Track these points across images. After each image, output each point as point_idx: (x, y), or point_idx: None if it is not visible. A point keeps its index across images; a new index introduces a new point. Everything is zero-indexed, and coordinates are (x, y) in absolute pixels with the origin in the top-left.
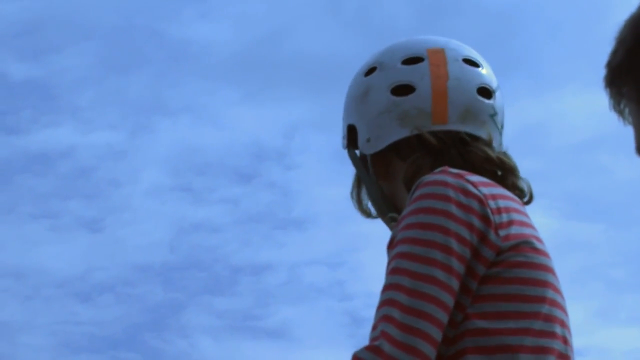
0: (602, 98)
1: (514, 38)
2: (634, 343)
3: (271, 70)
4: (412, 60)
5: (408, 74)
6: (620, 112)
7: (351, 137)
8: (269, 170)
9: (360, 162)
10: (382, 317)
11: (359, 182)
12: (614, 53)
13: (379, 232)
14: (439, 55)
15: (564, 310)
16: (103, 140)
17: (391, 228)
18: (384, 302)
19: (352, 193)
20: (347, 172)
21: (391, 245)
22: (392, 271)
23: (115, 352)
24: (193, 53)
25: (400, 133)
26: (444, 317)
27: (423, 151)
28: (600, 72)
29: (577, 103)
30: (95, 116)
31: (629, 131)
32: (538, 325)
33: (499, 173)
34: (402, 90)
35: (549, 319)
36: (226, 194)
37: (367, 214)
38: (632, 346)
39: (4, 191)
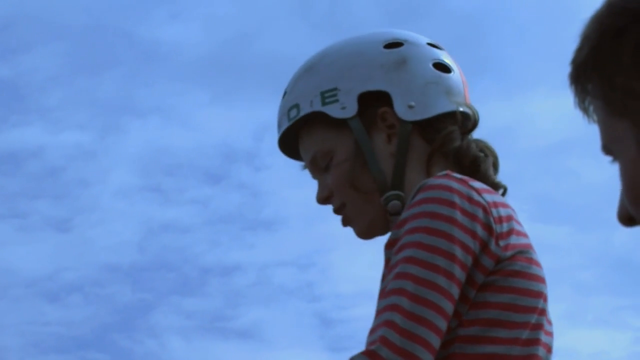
0: (570, 101)
1: (482, 41)
2: (600, 345)
3: (241, 72)
4: (436, 46)
5: (442, 56)
6: (585, 110)
7: (367, 104)
8: (239, 171)
9: (365, 132)
10: (383, 322)
11: (348, 157)
12: (579, 50)
13: (348, 234)
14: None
15: (548, 319)
16: (72, 140)
17: (374, 215)
18: (387, 307)
19: (347, 170)
20: None
21: (390, 245)
22: (396, 276)
23: (84, 353)
24: (163, 54)
25: (447, 106)
26: (443, 325)
27: (453, 131)
28: (567, 75)
29: (545, 106)
30: (64, 116)
31: (596, 135)
32: (526, 334)
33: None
34: (441, 68)
35: (536, 327)
36: (195, 195)
37: (356, 188)
38: (598, 348)
39: None
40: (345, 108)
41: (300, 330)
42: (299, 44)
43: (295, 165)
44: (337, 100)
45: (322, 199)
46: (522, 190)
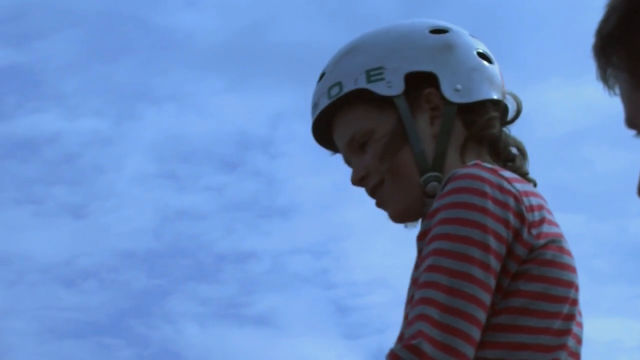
0: (585, 90)
1: (498, 30)
2: (614, 334)
3: (256, 59)
4: (476, 39)
5: (484, 47)
6: (606, 81)
7: (414, 85)
8: (254, 159)
9: (410, 112)
10: (420, 316)
11: (390, 138)
12: (605, 21)
13: (363, 221)
14: None
15: (579, 310)
16: (88, 127)
17: (410, 197)
18: (421, 300)
19: (384, 148)
20: (332, 161)
21: (422, 236)
22: (428, 268)
23: (99, 338)
24: (178, 41)
25: (488, 94)
26: (482, 316)
27: (491, 119)
28: (581, 64)
29: (560, 95)
30: (80, 103)
31: (610, 124)
32: (558, 324)
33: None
34: (484, 58)
35: (569, 317)
36: (211, 182)
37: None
38: (613, 337)
39: None
40: (391, 86)
41: (315, 318)
42: (314, 32)
43: (310, 153)
44: (383, 79)
45: (358, 179)
46: (537, 178)
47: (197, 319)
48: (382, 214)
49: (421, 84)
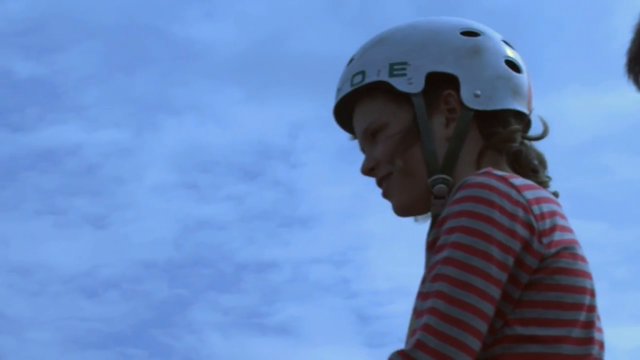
0: (603, 98)
1: (515, 38)
2: (636, 341)
3: (275, 69)
4: (509, 45)
5: (514, 56)
6: None
7: (435, 85)
8: (274, 168)
9: (425, 111)
10: (421, 326)
11: (405, 135)
12: (633, 42)
13: (383, 230)
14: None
15: (598, 315)
16: (108, 138)
17: (415, 193)
18: (424, 311)
19: (395, 146)
20: (352, 170)
21: (430, 245)
22: (434, 278)
23: (122, 348)
24: (197, 52)
25: (512, 104)
26: (481, 326)
27: (512, 130)
28: (600, 72)
29: (579, 103)
30: (100, 114)
31: (630, 131)
32: (576, 333)
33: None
34: (511, 66)
35: (587, 325)
36: (231, 192)
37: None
38: (635, 344)
39: (10, 188)
40: (412, 83)
41: (337, 327)
42: (331, 42)
43: (330, 162)
44: (404, 75)
45: (367, 170)
46: (556, 186)
47: (219, 328)
48: (403, 222)
49: (442, 84)
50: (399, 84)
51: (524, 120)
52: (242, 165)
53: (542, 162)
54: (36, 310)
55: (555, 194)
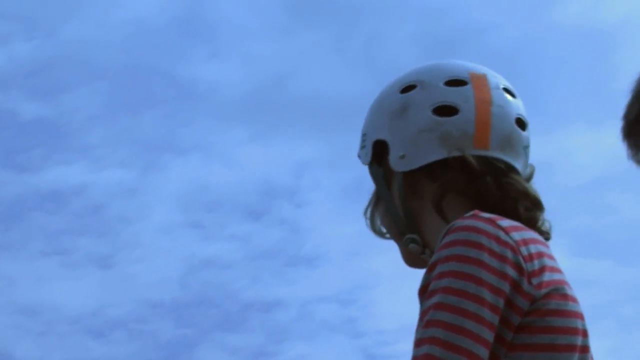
0: (607, 136)
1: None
2: None
3: (279, 110)
4: (456, 82)
5: (452, 96)
6: (639, 162)
7: (376, 152)
8: (279, 208)
9: (382, 179)
10: None
11: (376, 200)
12: (630, 106)
13: (390, 269)
14: (481, 80)
15: (591, 356)
16: (114, 178)
17: (406, 250)
18: (421, 357)
19: (366, 211)
20: (357, 209)
21: (423, 291)
22: (427, 324)
23: None
24: (202, 92)
25: (439, 153)
26: None
27: (458, 173)
28: (604, 110)
29: (584, 141)
30: (106, 154)
31: (635, 170)
32: None
33: (530, 208)
34: (445, 111)
35: None
36: (236, 231)
37: (380, 233)
38: None
39: (16, 228)
40: (367, 154)
41: None
42: (335, 82)
43: (335, 202)
44: (364, 146)
45: None
46: (561, 225)
47: None
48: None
49: (386, 150)
50: (362, 155)
51: (466, 161)
52: (247, 204)
53: (532, 202)
54: (43, 350)
55: (545, 236)
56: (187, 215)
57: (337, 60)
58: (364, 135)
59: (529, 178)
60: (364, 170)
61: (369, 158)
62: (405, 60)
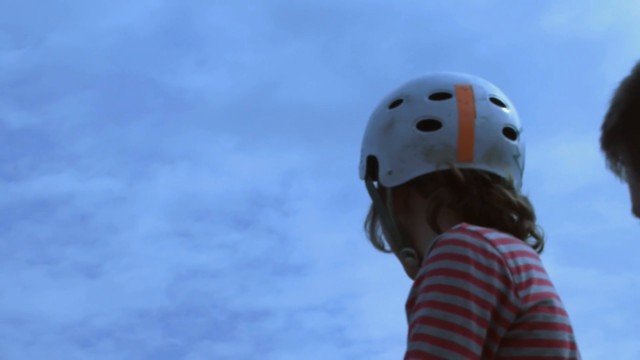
0: (595, 145)
1: (506, 86)
2: None
3: (267, 118)
4: (440, 96)
5: (435, 110)
6: (617, 173)
7: (370, 168)
8: (267, 217)
9: (377, 194)
10: None
11: (374, 215)
12: (609, 116)
13: (377, 277)
14: (466, 92)
15: None
16: (101, 187)
17: (405, 262)
18: None
19: (365, 225)
20: (345, 218)
21: (410, 304)
22: (413, 337)
23: None
24: (190, 101)
25: (424, 168)
26: None
27: (446, 187)
28: (591, 119)
29: (570, 150)
30: (93, 163)
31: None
32: None
33: (516, 218)
34: (429, 125)
35: None
36: (224, 240)
37: (379, 247)
38: None
39: (2, 238)
40: (362, 169)
41: None
42: (323, 91)
43: (323, 211)
44: (361, 161)
45: None
46: (548, 234)
47: None
48: (396, 270)
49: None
50: (359, 170)
51: (453, 174)
52: (235, 213)
53: (520, 212)
54: None
55: (537, 244)
56: (174, 224)
57: (324, 69)
58: (361, 150)
59: (509, 185)
60: (352, 180)
61: (364, 173)
62: (393, 69)
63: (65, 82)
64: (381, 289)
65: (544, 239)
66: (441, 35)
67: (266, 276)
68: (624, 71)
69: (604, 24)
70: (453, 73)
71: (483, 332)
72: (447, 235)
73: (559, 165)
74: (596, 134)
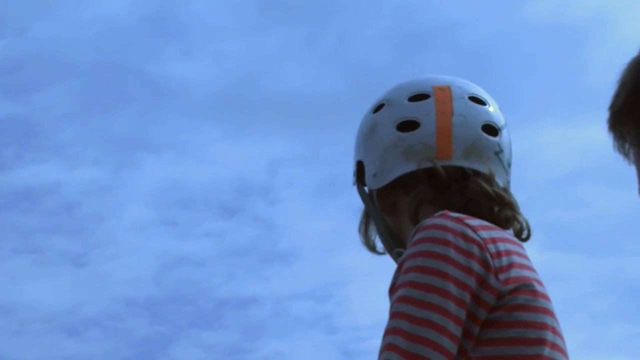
0: (579, 131)
1: (490, 73)
2: None
3: (252, 107)
4: (418, 97)
5: (413, 110)
6: (625, 154)
7: (360, 173)
8: (253, 205)
9: (368, 198)
10: None
11: (367, 218)
12: (616, 96)
13: (364, 265)
14: (444, 92)
15: (564, 353)
16: (87, 176)
17: (398, 263)
18: (384, 347)
19: (359, 228)
20: (331, 206)
21: (392, 290)
22: (392, 315)
23: None
24: (175, 90)
25: (405, 167)
26: None
27: (427, 185)
28: (575, 105)
29: (555, 137)
30: (78, 152)
31: (606, 164)
32: None
33: (496, 208)
34: (408, 126)
35: None
36: (211, 228)
37: (373, 249)
38: None
39: None
40: (354, 175)
41: None
42: (308, 79)
43: (309, 198)
44: (354, 167)
45: None
46: (533, 219)
47: None
48: (383, 257)
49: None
50: (352, 177)
51: (434, 172)
52: (221, 202)
53: (498, 202)
54: (17, 349)
55: (520, 231)
56: (161, 213)
57: (309, 58)
58: (353, 157)
59: (489, 179)
60: (338, 167)
61: (354, 179)
62: (378, 57)
63: (50, 72)
64: (368, 276)
65: (528, 228)
66: (425, 23)
67: (253, 264)
68: (609, 57)
69: (588, 10)
70: (433, 75)
71: (462, 313)
72: (428, 221)
73: (544, 151)
74: (580, 120)
